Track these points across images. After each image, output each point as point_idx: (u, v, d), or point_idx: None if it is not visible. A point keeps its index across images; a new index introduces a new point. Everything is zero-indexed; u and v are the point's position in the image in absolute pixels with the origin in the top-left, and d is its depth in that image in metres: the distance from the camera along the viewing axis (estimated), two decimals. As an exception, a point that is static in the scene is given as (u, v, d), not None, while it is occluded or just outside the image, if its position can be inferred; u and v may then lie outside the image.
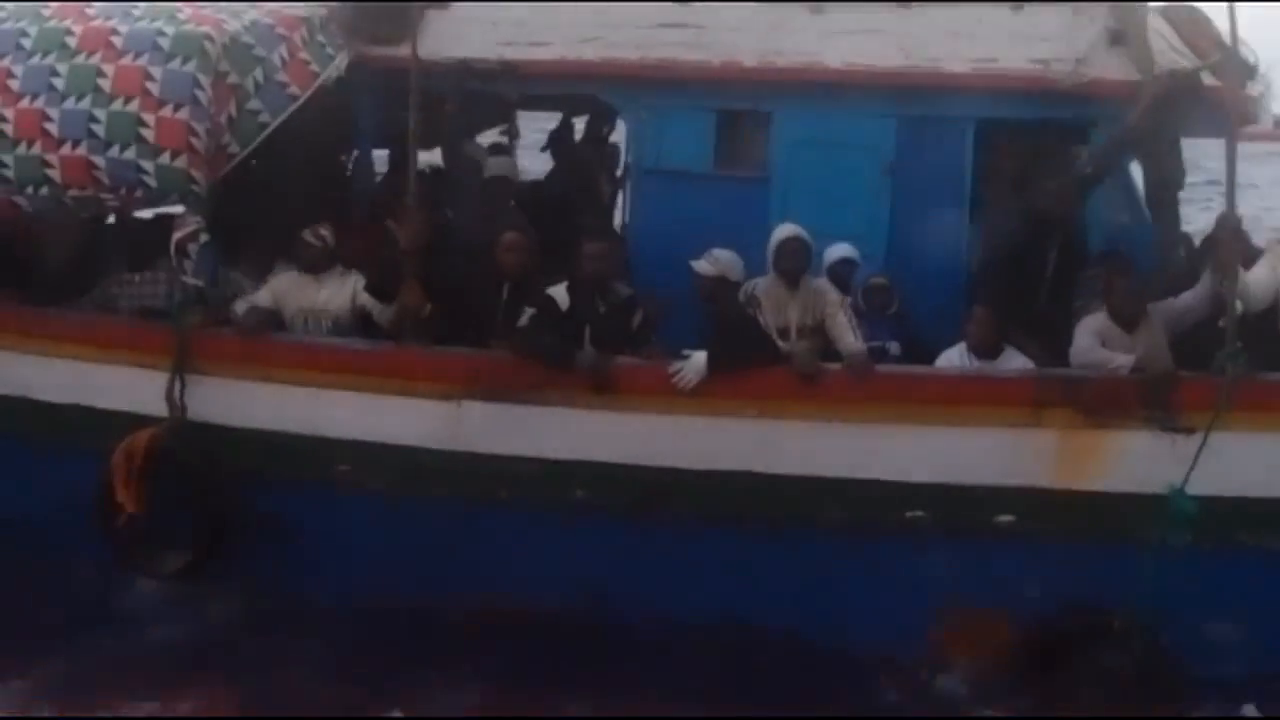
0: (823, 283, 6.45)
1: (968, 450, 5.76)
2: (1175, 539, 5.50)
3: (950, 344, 6.64)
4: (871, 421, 5.82)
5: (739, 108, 7.11)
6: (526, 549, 6.05)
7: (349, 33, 7.13)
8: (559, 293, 6.13)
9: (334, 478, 6.24)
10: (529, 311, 6.12)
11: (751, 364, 5.88)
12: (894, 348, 6.54)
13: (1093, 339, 5.95)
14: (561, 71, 7.14)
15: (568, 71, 7.12)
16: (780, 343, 6.12)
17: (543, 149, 8.96)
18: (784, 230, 6.40)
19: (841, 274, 6.85)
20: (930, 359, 6.30)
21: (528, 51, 7.09)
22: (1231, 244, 5.60)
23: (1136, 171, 7.00)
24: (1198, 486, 5.51)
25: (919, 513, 5.84)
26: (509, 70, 7.12)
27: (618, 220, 8.65)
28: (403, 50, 6.62)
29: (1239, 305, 5.72)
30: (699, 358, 5.85)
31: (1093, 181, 6.61)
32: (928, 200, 6.99)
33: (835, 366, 5.98)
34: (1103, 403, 5.67)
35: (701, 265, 6.32)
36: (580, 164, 8.93)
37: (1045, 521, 5.76)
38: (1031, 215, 6.58)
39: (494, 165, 7.96)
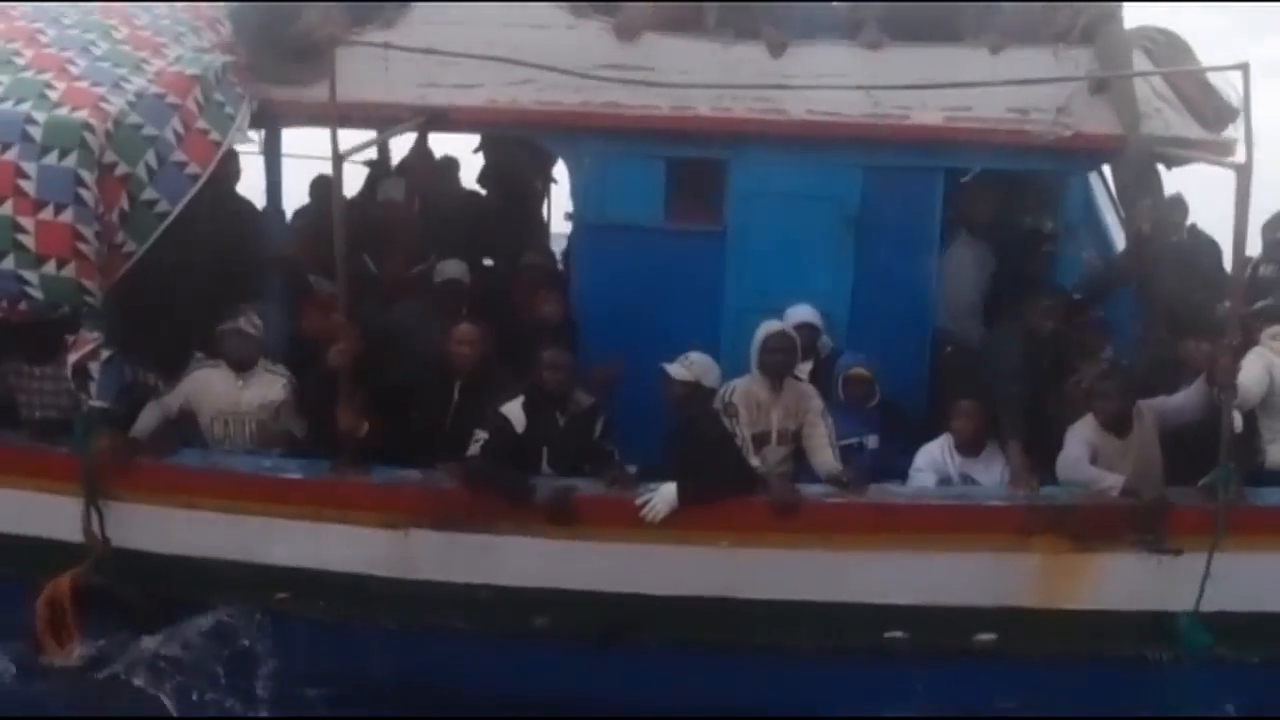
0: (806, 387, 6.00)
1: (951, 574, 5.50)
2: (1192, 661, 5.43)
3: (920, 418, 6.37)
4: (850, 548, 5.50)
5: (692, 156, 6.49)
6: (483, 676, 5.70)
7: (252, 77, 6.29)
8: (514, 411, 5.61)
9: (274, 605, 5.78)
10: (480, 437, 5.59)
11: (724, 494, 5.48)
12: (872, 442, 6.16)
13: (1083, 449, 5.67)
14: (495, 118, 6.42)
15: (502, 118, 6.41)
16: (755, 460, 5.69)
17: (475, 150, 8.20)
18: (772, 325, 5.92)
19: (802, 341, 6.42)
20: (912, 451, 5.98)
21: (454, 95, 6.34)
22: (1230, 359, 5.28)
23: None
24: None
25: (897, 633, 5.60)
26: (438, 118, 6.39)
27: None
28: (315, 92, 5.86)
29: (1238, 423, 5.48)
30: (668, 489, 5.43)
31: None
32: (895, 255, 6.55)
33: (815, 491, 5.59)
34: (1091, 529, 5.43)
35: (676, 370, 5.84)
36: (509, 166, 8.22)
37: (1027, 641, 5.56)
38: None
39: (385, 188, 7.35)
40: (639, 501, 5.44)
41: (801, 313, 6.40)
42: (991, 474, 5.86)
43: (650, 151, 6.48)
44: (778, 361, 5.80)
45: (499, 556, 5.59)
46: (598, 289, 6.64)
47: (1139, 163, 6.07)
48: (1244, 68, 5.19)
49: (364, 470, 5.65)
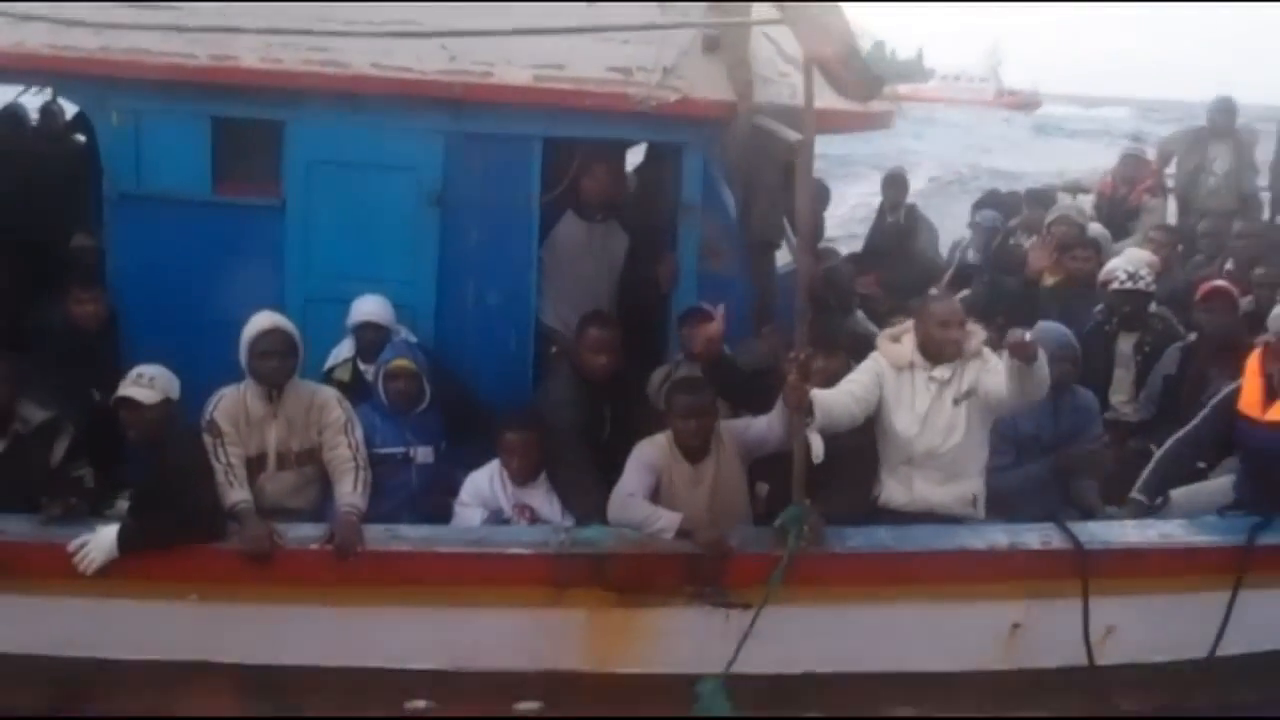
0: (326, 394, 4.99)
1: (483, 633, 4.53)
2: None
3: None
4: (354, 604, 4.50)
5: (241, 115, 5.37)
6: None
7: None
8: None
9: None
10: None
11: (177, 536, 4.42)
12: (421, 454, 5.16)
13: (644, 476, 4.73)
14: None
15: (7, 63, 5.21)
16: (238, 492, 4.63)
17: None
18: (261, 320, 4.88)
19: (367, 343, 5.40)
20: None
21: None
22: (798, 381, 4.36)
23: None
24: (746, 666, 4.48)
25: (419, 703, 4.63)
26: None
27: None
28: None
29: (818, 450, 4.56)
30: (106, 533, 4.36)
31: None
32: (488, 238, 5.55)
33: (299, 534, 4.56)
34: (635, 581, 4.49)
35: (134, 392, 4.66)
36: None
37: (577, 710, 4.64)
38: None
39: None
40: (72, 548, 4.34)
41: (365, 308, 5.40)
42: (554, 504, 4.91)
43: (193, 109, 5.35)
44: (272, 368, 4.76)
45: None
46: (135, 273, 5.50)
47: (746, 134, 5.10)
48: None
49: None
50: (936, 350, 4.83)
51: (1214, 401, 5.08)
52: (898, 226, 8.65)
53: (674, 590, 4.55)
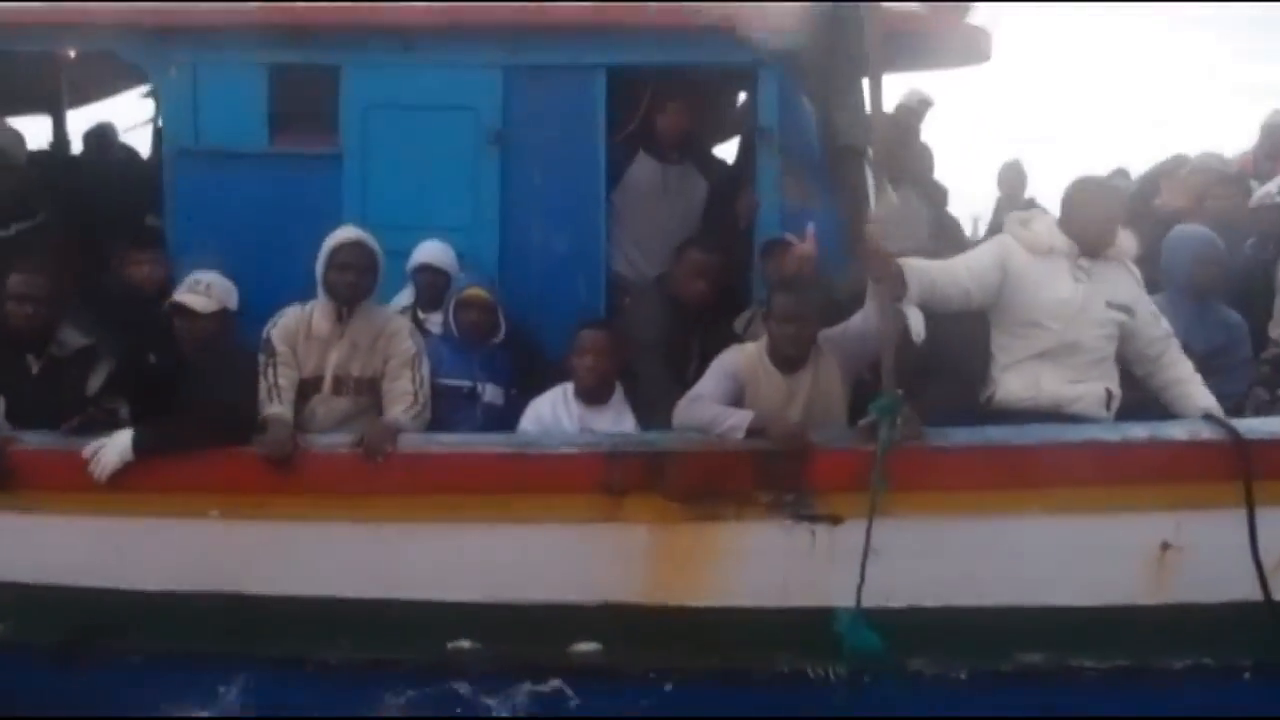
0: (399, 323, 4.62)
1: (525, 557, 3.96)
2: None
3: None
4: (386, 518, 4.00)
5: (298, 61, 5.20)
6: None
7: None
8: None
9: None
10: None
11: (197, 438, 4.02)
12: (490, 392, 4.70)
13: (724, 383, 4.17)
14: (55, 21, 5.17)
15: (63, 20, 5.16)
16: (277, 409, 4.24)
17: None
18: (344, 234, 4.59)
19: (426, 287, 5.04)
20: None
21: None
22: (878, 245, 3.80)
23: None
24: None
25: (464, 644, 4.04)
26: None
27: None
28: None
29: (917, 328, 3.97)
30: (121, 436, 3.99)
31: None
32: (553, 179, 5.18)
33: (329, 443, 4.12)
34: (702, 484, 3.89)
35: (189, 299, 4.41)
36: None
37: (643, 653, 4.00)
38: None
39: None
40: (86, 453, 3.98)
41: (425, 251, 5.07)
42: (623, 428, 4.38)
43: (248, 58, 5.20)
44: (348, 283, 4.42)
45: None
46: (195, 232, 5.27)
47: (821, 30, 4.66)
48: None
49: None
50: (1092, 240, 4.19)
51: None
52: None
53: (747, 498, 3.91)
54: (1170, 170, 6.55)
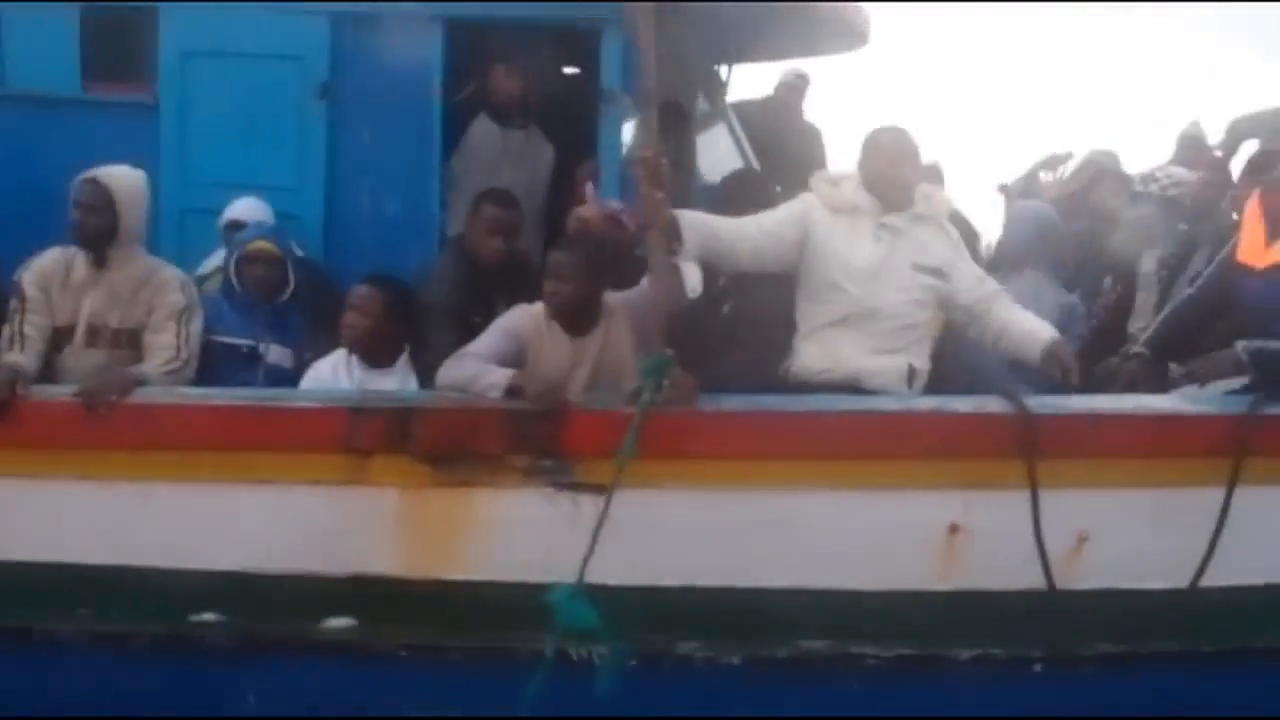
0: (170, 274, 4.30)
1: (266, 522, 3.68)
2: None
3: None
4: (117, 476, 3.73)
5: (112, 1, 4.96)
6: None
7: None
8: None
9: None
10: None
11: None
12: (275, 353, 4.42)
13: (501, 340, 3.90)
14: None
15: None
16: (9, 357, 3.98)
17: None
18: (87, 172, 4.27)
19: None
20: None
21: None
22: (650, 187, 3.52)
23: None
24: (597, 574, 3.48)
25: (207, 616, 3.77)
26: None
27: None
28: None
29: (693, 283, 3.70)
30: None
31: None
32: (385, 137, 4.94)
33: (49, 393, 3.87)
34: (450, 447, 3.60)
35: None
36: None
37: (395, 630, 3.72)
38: None
39: None
40: None
41: (236, 209, 4.87)
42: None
43: None
44: (80, 223, 4.15)
45: None
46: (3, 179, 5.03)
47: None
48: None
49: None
50: (884, 189, 3.91)
51: (1217, 258, 4.06)
52: None
53: (501, 462, 3.63)
54: (1051, 164, 6.41)
